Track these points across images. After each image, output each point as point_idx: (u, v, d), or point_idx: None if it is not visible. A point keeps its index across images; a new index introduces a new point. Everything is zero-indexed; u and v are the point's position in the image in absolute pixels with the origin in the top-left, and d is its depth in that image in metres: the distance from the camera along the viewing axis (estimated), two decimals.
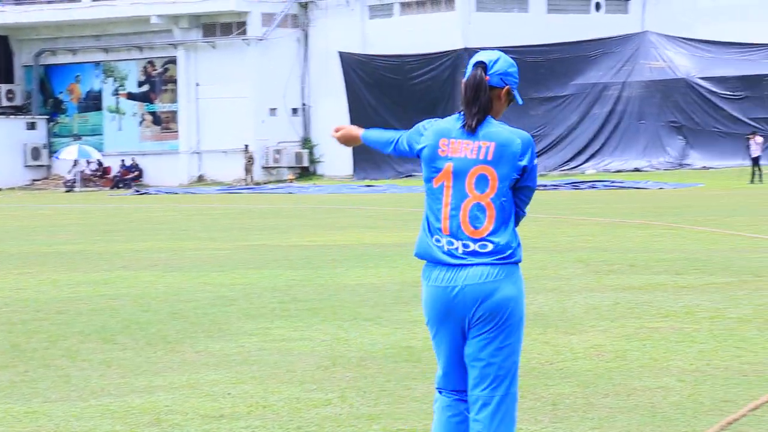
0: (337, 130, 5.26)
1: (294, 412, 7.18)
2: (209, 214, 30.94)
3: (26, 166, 60.63)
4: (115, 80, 60.30)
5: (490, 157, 4.79)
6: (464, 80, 4.87)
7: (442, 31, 53.42)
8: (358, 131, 5.19)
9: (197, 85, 57.59)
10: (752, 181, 40.94)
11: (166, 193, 50.24)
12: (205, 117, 57.51)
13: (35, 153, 60.75)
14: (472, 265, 4.78)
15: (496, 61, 4.85)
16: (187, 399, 7.59)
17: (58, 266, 16.78)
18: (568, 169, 50.77)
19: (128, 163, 58.44)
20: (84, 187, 56.09)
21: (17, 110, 61.75)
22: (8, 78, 61.86)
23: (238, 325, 10.70)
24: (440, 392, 4.98)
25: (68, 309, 12.07)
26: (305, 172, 57.03)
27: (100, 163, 58.55)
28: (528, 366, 8.41)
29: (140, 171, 58.37)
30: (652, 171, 48.94)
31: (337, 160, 55.95)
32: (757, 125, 47.56)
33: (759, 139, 42.27)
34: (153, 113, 59.49)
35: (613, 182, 42.43)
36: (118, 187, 56.72)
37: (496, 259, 4.77)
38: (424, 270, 4.95)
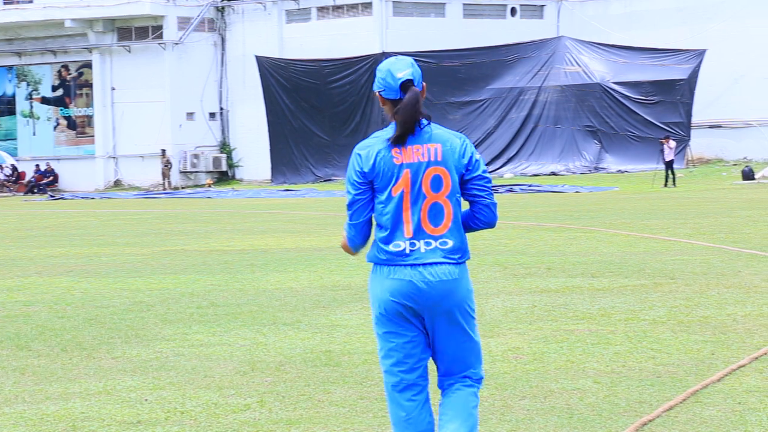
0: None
1: (212, 417, 7.15)
2: (126, 219, 30.65)
3: None
4: (28, 84, 59.50)
5: (439, 158, 5.07)
6: (400, 99, 5.06)
7: (359, 35, 53.50)
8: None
9: (113, 89, 57.04)
10: (666, 185, 41.54)
11: (82, 198, 49.67)
12: (121, 121, 56.98)
13: None
14: (434, 263, 5.04)
15: (413, 72, 5.14)
16: (104, 405, 7.51)
17: None
18: None
19: (43, 167, 57.70)
20: None
21: None
22: None
23: (156, 330, 10.61)
24: (395, 380, 5.16)
25: None
26: (224, 177, 56.74)
27: (14, 168, 57.71)
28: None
29: (55, 176, 57.66)
30: (568, 175, 49.44)
31: (255, 165, 55.77)
32: (671, 129, 48.28)
33: (672, 143, 42.89)
34: (68, 118, 58.80)
35: (530, 186, 42.80)
36: (33, 193, 55.95)
37: (454, 258, 5.08)
38: (380, 269, 5.12)
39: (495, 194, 5.41)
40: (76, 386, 8.17)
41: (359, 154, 5.12)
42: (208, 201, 43.36)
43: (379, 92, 5.17)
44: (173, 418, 7.13)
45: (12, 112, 59.85)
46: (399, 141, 5.05)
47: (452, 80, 52.30)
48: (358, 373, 8.38)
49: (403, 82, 5.08)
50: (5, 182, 57.55)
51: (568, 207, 30.03)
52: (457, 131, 5.34)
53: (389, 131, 5.11)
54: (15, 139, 59.56)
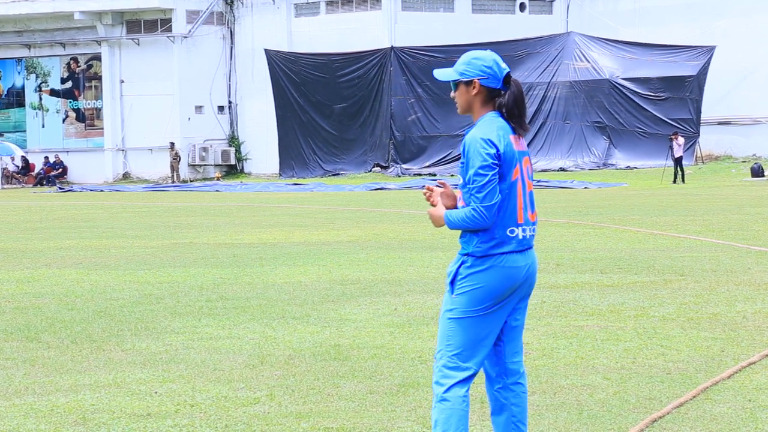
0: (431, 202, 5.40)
1: (222, 410, 7.15)
2: (135, 212, 30.67)
3: None
4: (37, 77, 59.54)
5: (526, 148, 5.38)
6: (510, 92, 5.28)
7: (368, 29, 53.46)
8: (441, 212, 5.31)
9: (122, 82, 57.05)
10: (675, 181, 41.48)
11: (91, 190, 49.70)
12: (130, 114, 57.01)
13: None
14: (530, 249, 5.34)
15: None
16: (114, 398, 7.52)
17: None
18: None
19: (52, 160, 57.75)
20: (7, 185, 55.31)
21: None
22: None
23: (165, 323, 10.62)
24: (470, 370, 5.26)
25: None
26: (232, 170, 56.75)
27: (24, 160, 57.78)
28: None
29: (64, 168, 57.71)
30: (577, 171, 49.37)
31: (264, 159, 55.78)
32: (679, 126, 48.20)
33: (681, 139, 42.83)
34: (77, 110, 58.84)
35: (538, 182, 42.74)
36: (42, 185, 56.01)
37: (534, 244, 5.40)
38: (491, 260, 5.22)
39: None
40: (86, 378, 8.18)
41: (489, 140, 5.19)
42: (216, 194, 43.37)
43: (478, 80, 5.28)
44: (183, 410, 7.14)
45: (21, 104, 59.90)
46: (518, 126, 5.26)
47: None
48: (368, 368, 8.38)
49: (508, 73, 5.30)
50: (15, 174, 57.60)
51: (576, 203, 30.01)
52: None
53: (496, 120, 5.25)
54: (24, 131, 59.62)
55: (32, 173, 57.95)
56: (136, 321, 10.78)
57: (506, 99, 5.25)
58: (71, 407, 7.26)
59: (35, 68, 59.53)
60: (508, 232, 5.23)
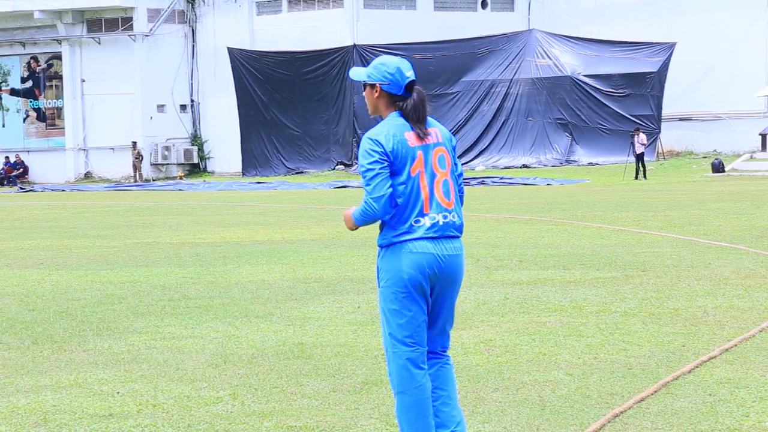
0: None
1: (184, 410, 7.13)
2: (97, 212, 30.51)
3: None
4: None
5: (440, 140, 5.62)
6: (411, 99, 5.57)
7: (330, 27, 53.41)
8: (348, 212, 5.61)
9: (83, 81, 56.71)
10: (636, 177, 41.72)
11: (53, 190, 49.39)
12: (91, 113, 56.68)
13: None
14: (449, 237, 5.54)
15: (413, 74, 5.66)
16: (75, 398, 7.48)
17: None
18: None
19: (13, 159, 57.32)
20: None
21: None
22: None
23: (127, 323, 10.57)
24: (417, 347, 5.54)
25: None
26: (195, 169, 56.55)
27: None
28: None
29: (25, 168, 57.30)
30: (539, 167, 49.56)
31: (227, 157, 55.62)
32: (641, 122, 48.46)
33: (642, 135, 43.07)
34: (38, 110, 58.43)
35: (501, 178, 42.88)
36: (3, 185, 55.59)
37: (460, 234, 5.62)
38: (399, 248, 5.49)
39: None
40: (47, 379, 8.14)
41: (375, 140, 5.50)
42: (179, 193, 43.21)
43: (379, 84, 5.58)
44: (145, 410, 7.11)
45: None
46: (416, 128, 5.54)
47: (423, 73, 52.22)
48: (331, 366, 8.38)
49: (410, 81, 5.59)
50: None
51: (539, 199, 30.11)
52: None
53: (396, 122, 5.55)
54: None
55: None
56: (98, 321, 10.72)
57: (406, 105, 5.56)
58: (32, 408, 7.21)
59: None
60: (413, 222, 5.50)
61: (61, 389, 7.78)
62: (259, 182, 48.36)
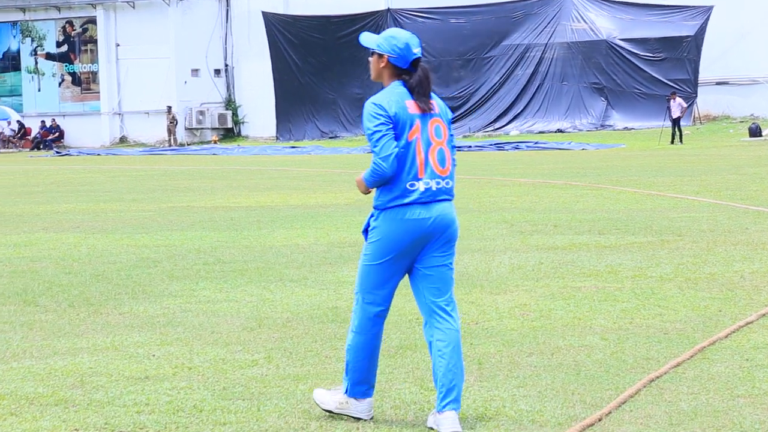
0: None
1: (220, 373, 7.15)
2: (132, 176, 30.63)
3: None
4: (33, 40, 59.29)
5: (437, 111, 5.90)
6: (416, 74, 5.85)
7: None
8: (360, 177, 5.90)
9: (117, 45, 56.82)
10: (672, 142, 41.42)
11: (88, 154, 49.62)
12: (126, 78, 56.81)
13: None
14: (441, 201, 5.83)
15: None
16: (112, 361, 7.52)
17: None
18: (491, 131, 50.98)
19: (49, 124, 57.60)
20: (4, 149, 55.21)
21: None
22: None
23: (163, 286, 10.62)
24: (375, 306, 5.92)
25: None
26: (229, 134, 56.63)
27: (20, 124, 57.64)
28: None
29: (61, 132, 57.57)
30: (574, 132, 49.30)
31: (261, 122, 55.62)
32: (677, 86, 48.07)
33: (679, 100, 42.74)
34: (73, 74, 58.64)
35: (536, 143, 42.69)
36: (39, 149, 55.91)
37: (451, 197, 5.91)
38: (395, 212, 5.78)
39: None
40: (84, 342, 8.19)
41: (379, 104, 5.80)
42: (213, 158, 43.30)
43: (387, 56, 5.85)
44: (181, 373, 7.14)
45: (17, 68, 59.68)
46: (418, 99, 5.82)
47: (458, 37, 52.05)
48: None
49: (417, 57, 5.86)
50: (11, 138, 57.48)
51: (574, 164, 29.98)
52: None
53: (398, 90, 5.84)
54: (20, 95, 59.44)
55: (29, 137, 57.81)
56: (134, 284, 10.77)
57: (412, 79, 5.85)
58: (69, 370, 7.26)
59: (30, 32, 59.27)
60: (408, 186, 5.77)
61: (98, 352, 7.83)
62: (293, 147, 48.38)
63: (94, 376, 7.09)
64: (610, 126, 49.84)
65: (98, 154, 49.11)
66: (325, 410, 6.07)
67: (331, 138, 52.59)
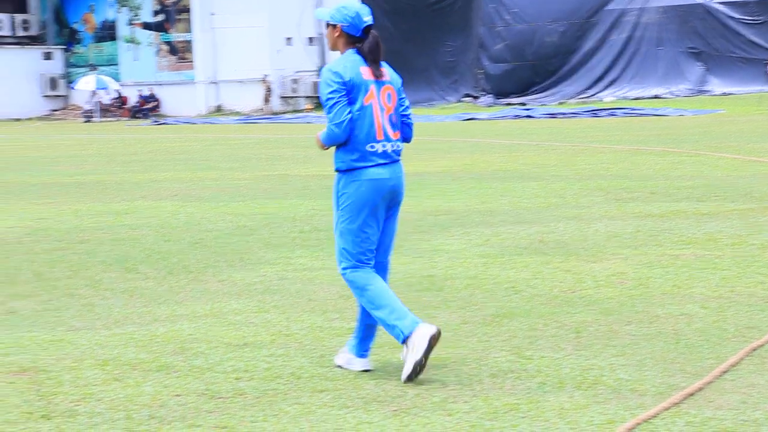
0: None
1: (317, 340, 7.21)
2: (228, 144, 30.92)
3: (44, 96, 60.57)
4: (129, 10, 59.99)
5: (388, 79, 6.30)
6: (367, 41, 6.22)
7: None
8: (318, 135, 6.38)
9: (212, 14, 57.24)
10: None
11: (185, 123, 50.15)
12: (221, 46, 57.23)
13: (52, 83, 60.68)
14: (395, 162, 6.29)
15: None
16: (211, 328, 7.62)
17: (79, 196, 16.82)
18: (586, 98, 50.47)
19: (145, 93, 58.33)
20: (102, 118, 56.07)
21: (33, 40, 61.61)
22: (22, 8, 61.63)
23: (260, 254, 10.72)
24: (367, 264, 6.31)
25: (90, 239, 12.12)
26: None
27: (118, 93, 58.46)
28: (550, 294, 8.42)
29: (158, 101, 58.26)
30: (671, 98, 48.58)
31: None
32: None
33: None
34: (169, 43, 59.25)
35: (632, 109, 42.15)
36: (136, 117, 56.66)
37: (400, 158, 6.36)
38: (358, 173, 6.23)
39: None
40: (183, 308, 8.30)
41: (335, 71, 6.15)
42: (307, 126, 43.51)
43: (340, 26, 6.20)
44: (279, 340, 7.21)
45: (114, 37, 60.47)
46: (371, 65, 6.22)
47: (549, 2, 51.52)
48: (461, 298, 8.38)
49: (367, 25, 6.24)
50: (110, 107, 58.32)
51: (671, 130, 29.56)
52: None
53: (352, 57, 6.20)
54: (117, 64, 60.26)
55: (126, 106, 58.60)
56: (231, 252, 10.89)
57: (364, 47, 6.22)
58: (170, 337, 7.37)
59: (127, 1, 59.95)
60: (368, 147, 6.19)
61: (197, 318, 7.94)
62: None
63: (194, 342, 7.19)
64: (708, 91, 49.02)
65: (194, 123, 49.61)
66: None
67: (423, 105, 52.50)
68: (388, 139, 6.24)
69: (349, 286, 6.35)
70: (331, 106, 6.15)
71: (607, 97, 49.79)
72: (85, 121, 55.09)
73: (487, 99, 51.30)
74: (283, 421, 5.48)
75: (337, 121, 6.15)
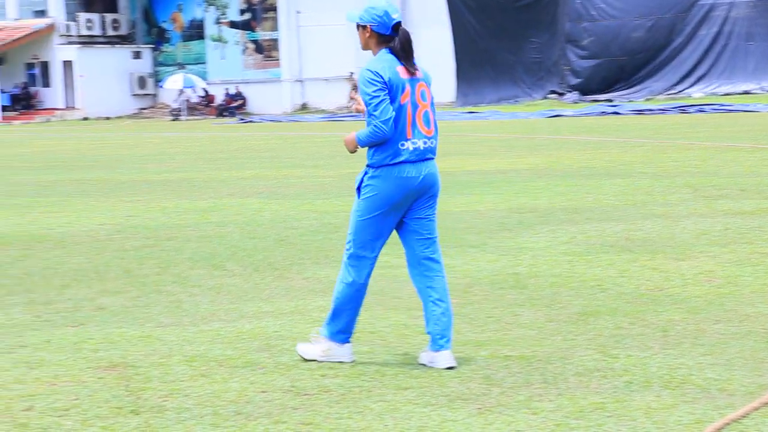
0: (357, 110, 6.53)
1: (401, 338, 7.21)
2: (313, 142, 31.08)
3: (133, 95, 61.47)
4: (216, 9, 60.59)
5: (421, 76, 6.40)
6: (398, 38, 6.31)
7: None
8: (351, 135, 6.40)
9: (298, 12, 57.59)
10: None
11: (270, 121, 50.52)
12: (306, 45, 57.57)
13: (141, 82, 61.55)
14: (427, 159, 6.37)
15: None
16: (296, 325, 7.66)
17: (167, 194, 17.03)
18: (674, 93, 49.89)
19: (232, 91, 58.86)
20: (190, 116, 56.71)
21: (122, 39, 62.52)
22: (113, 7, 62.56)
23: (342, 252, 10.72)
24: (366, 257, 6.49)
25: (177, 236, 12.26)
26: None
27: (205, 92, 59.07)
28: (637, 292, 8.34)
29: (244, 99, 58.77)
30: (762, 93, 47.81)
31: (437, 87, 55.44)
32: None
33: None
34: (255, 41, 59.72)
35: (722, 105, 41.54)
36: (223, 116, 57.20)
37: (435, 155, 6.44)
38: (389, 170, 6.29)
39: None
40: (269, 306, 8.36)
41: (375, 71, 6.24)
42: None
43: (370, 26, 6.31)
44: (363, 338, 7.22)
45: (201, 36, 61.13)
46: (406, 63, 6.30)
47: None
48: (546, 296, 8.34)
49: (396, 23, 6.33)
50: (197, 105, 58.98)
51: (762, 127, 29.09)
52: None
53: (387, 57, 6.28)
54: (205, 63, 60.89)
55: (213, 105, 59.19)
56: (316, 249, 10.94)
57: (395, 44, 6.32)
58: (256, 333, 7.43)
59: (214, 0, 60.55)
60: (399, 146, 6.29)
61: (282, 315, 7.99)
62: (470, 112, 48.26)
63: (279, 339, 7.24)
64: None
65: (280, 121, 49.95)
66: (308, 360, 6.55)
67: (508, 102, 52.27)
68: (420, 135, 6.33)
69: (342, 267, 6.52)
70: (377, 105, 6.22)
71: (696, 93, 49.15)
72: (173, 120, 55.76)
73: (573, 96, 50.92)
74: (367, 418, 5.50)
75: (384, 118, 6.22)
